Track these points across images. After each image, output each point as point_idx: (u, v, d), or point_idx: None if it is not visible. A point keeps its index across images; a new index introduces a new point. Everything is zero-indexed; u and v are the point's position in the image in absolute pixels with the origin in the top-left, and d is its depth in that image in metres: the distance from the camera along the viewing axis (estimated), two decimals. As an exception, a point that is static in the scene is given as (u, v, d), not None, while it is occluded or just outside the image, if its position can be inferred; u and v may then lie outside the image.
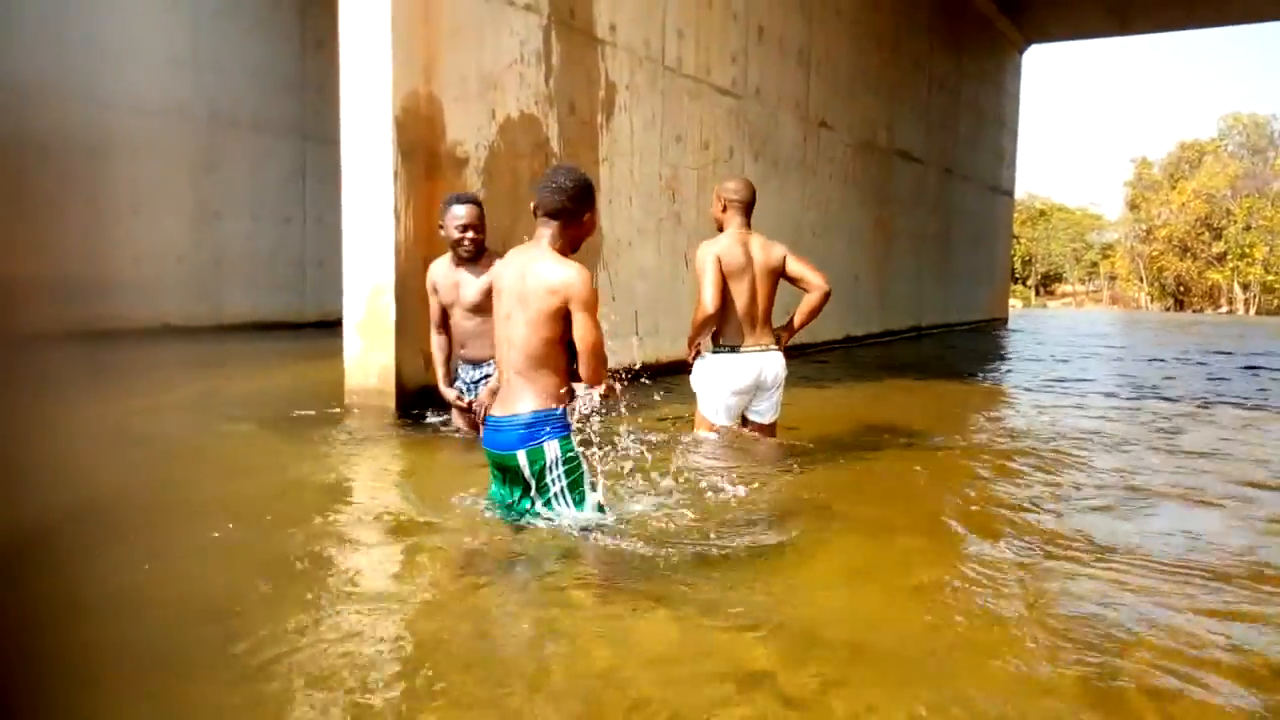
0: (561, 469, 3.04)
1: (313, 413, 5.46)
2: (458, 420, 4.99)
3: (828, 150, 11.29)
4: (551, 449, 3.02)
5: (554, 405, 3.04)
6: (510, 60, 6.28)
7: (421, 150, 5.63)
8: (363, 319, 5.65)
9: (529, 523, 3.10)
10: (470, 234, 4.58)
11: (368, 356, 5.64)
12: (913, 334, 14.69)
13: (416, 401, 5.59)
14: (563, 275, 2.97)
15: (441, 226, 4.65)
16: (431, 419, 5.30)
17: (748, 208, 4.68)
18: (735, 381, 4.50)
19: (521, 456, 3.01)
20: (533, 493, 3.09)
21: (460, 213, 4.58)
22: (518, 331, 3.02)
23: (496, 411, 3.08)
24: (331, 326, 6.78)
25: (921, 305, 15.19)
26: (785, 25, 10.05)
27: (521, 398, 3.03)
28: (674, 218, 8.35)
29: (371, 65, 5.45)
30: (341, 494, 3.81)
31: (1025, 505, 3.80)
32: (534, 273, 3.01)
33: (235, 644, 2.15)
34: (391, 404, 5.53)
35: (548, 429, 3.02)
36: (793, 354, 10.32)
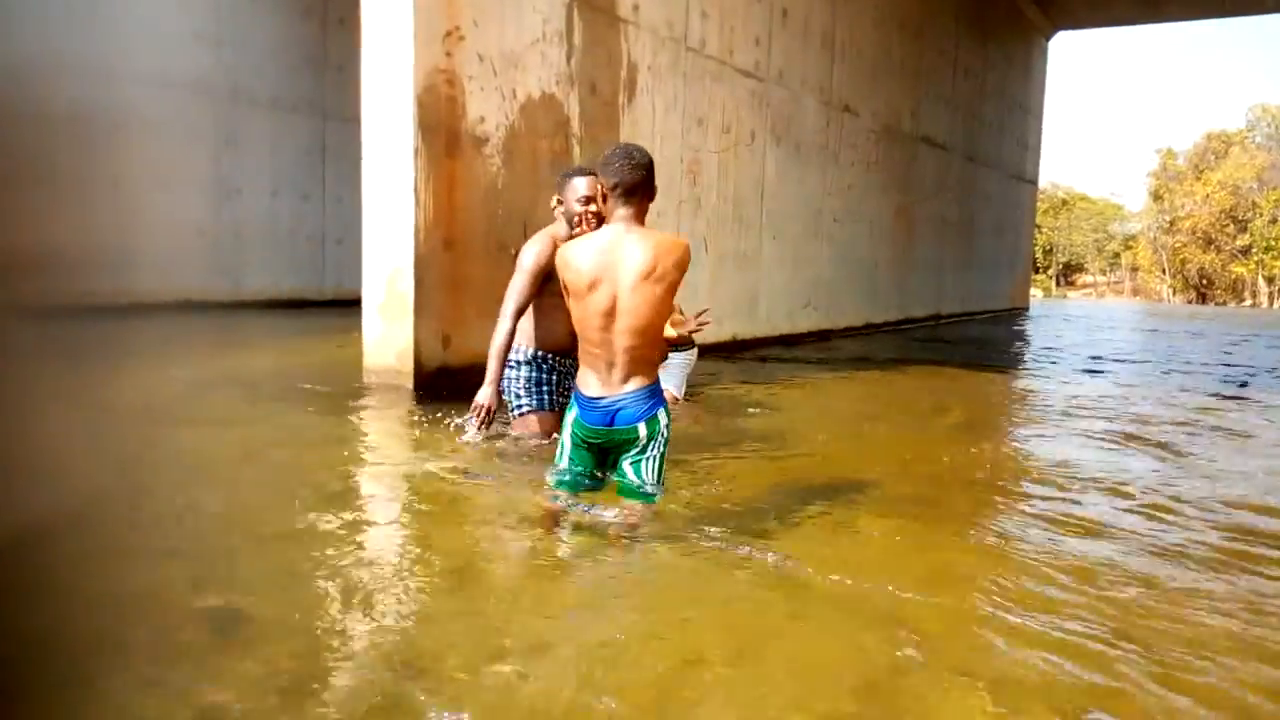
0: (664, 435, 3.23)
1: (332, 390, 5.47)
2: (532, 425, 4.23)
3: (851, 135, 11.19)
4: (661, 416, 3.22)
5: (657, 377, 3.25)
6: (532, 39, 6.22)
7: (442, 129, 5.59)
8: (382, 299, 5.63)
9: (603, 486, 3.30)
10: (592, 207, 4.13)
11: (386, 336, 5.63)
12: (932, 322, 14.60)
13: (433, 381, 5.58)
14: (682, 248, 3.14)
15: (560, 203, 4.12)
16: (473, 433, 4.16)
17: None
18: None
19: (642, 427, 3.17)
20: (633, 453, 3.21)
21: (581, 186, 4.10)
22: (636, 313, 3.08)
23: (605, 392, 3.16)
24: (349, 305, 6.78)
25: (942, 293, 15.08)
26: (809, 8, 9.94)
27: (636, 373, 3.15)
28: (694, 201, 8.29)
29: (393, 41, 5.41)
30: (398, 469, 3.82)
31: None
32: (652, 253, 3.08)
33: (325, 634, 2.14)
34: (410, 384, 5.52)
35: (658, 398, 3.22)
36: (814, 340, 10.23)
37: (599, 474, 3.31)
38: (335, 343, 7.88)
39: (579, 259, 3.12)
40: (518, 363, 4.30)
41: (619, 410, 3.15)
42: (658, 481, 3.24)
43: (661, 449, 3.22)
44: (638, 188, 3.15)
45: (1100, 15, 19.58)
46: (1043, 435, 5.40)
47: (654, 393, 3.20)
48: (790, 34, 9.60)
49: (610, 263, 3.08)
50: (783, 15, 9.41)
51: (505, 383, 4.31)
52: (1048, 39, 19.83)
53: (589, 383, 3.17)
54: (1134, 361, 10.24)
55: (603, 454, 3.27)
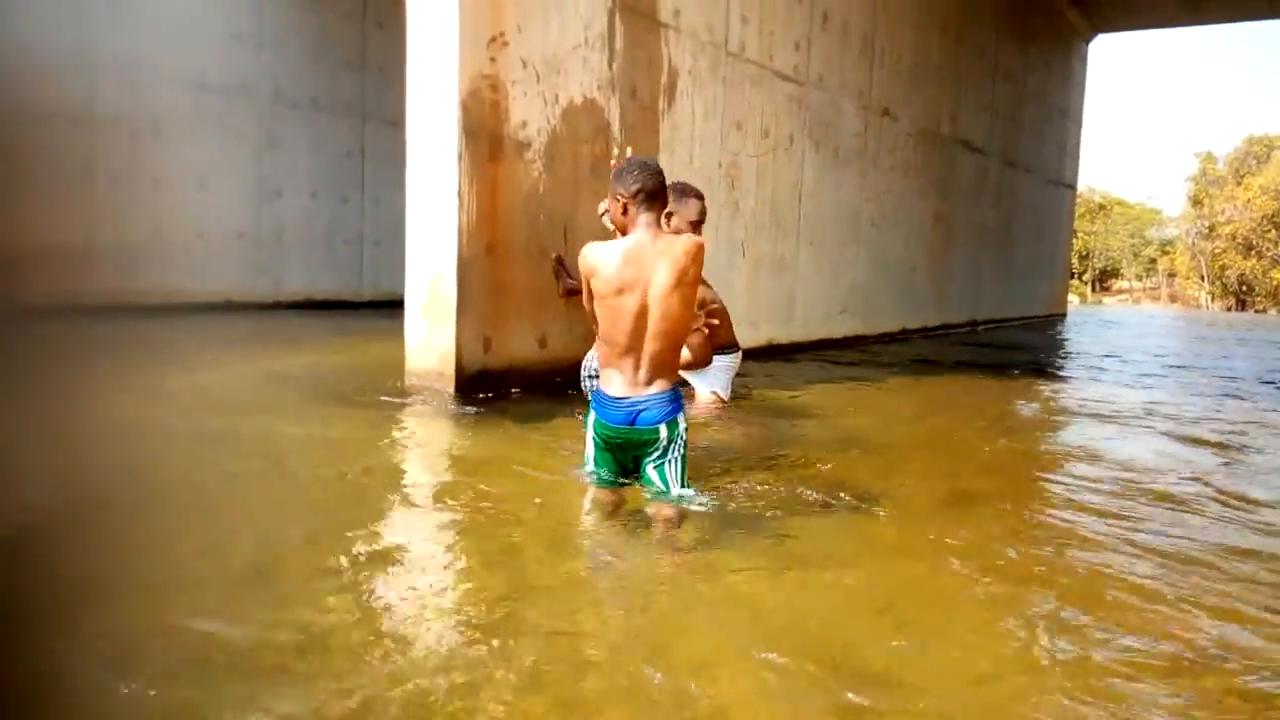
0: (683, 437, 3.34)
1: (378, 391, 5.52)
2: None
3: (889, 139, 11.12)
4: (681, 420, 3.34)
5: (678, 379, 3.41)
6: (574, 44, 6.24)
7: (485, 133, 5.62)
8: (425, 301, 5.66)
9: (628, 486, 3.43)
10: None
11: (429, 338, 5.66)
12: (969, 328, 14.47)
13: (474, 384, 5.61)
14: (700, 247, 3.28)
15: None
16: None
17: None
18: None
19: (663, 429, 3.29)
20: (654, 456, 3.31)
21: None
22: (667, 318, 3.24)
23: (630, 393, 3.29)
24: (387, 306, 6.84)
25: (980, 298, 14.94)
26: (850, 11, 9.89)
27: (660, 375, 3.29)
28: (732, 205, 8.28)
29: (438, 46, 5.44)
30: (438, 465, 3.84)
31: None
32: (681, 259, 3.23)
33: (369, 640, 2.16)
34: (451, 386, 5.55)
35: (679, 401, 3.35)
36: (851, 345, 10.15)
37: (624, 478, 3.42)
38: (375, 344, 7.94)
39: (606, 264, 3.24)
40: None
41: (642, 411, 3.27)
42: (682, 483, 3.32)
43: (682, 450, 3.33)
44: (657, 194, 3.31)
45: (1141, 18, 19.32)
46: (1121, 439, 5.41)
47: (676, 396, 3.32)
48: (830, 37, 9.55)
49: (639, 270, 3.21)
50: (823, 19, 9.38)
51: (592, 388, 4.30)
52: (1087, 42, 19.61)
53: (614, 383, 3.29)
54: (1195, 370, 10.09)
55: (623, 454, 3.38)
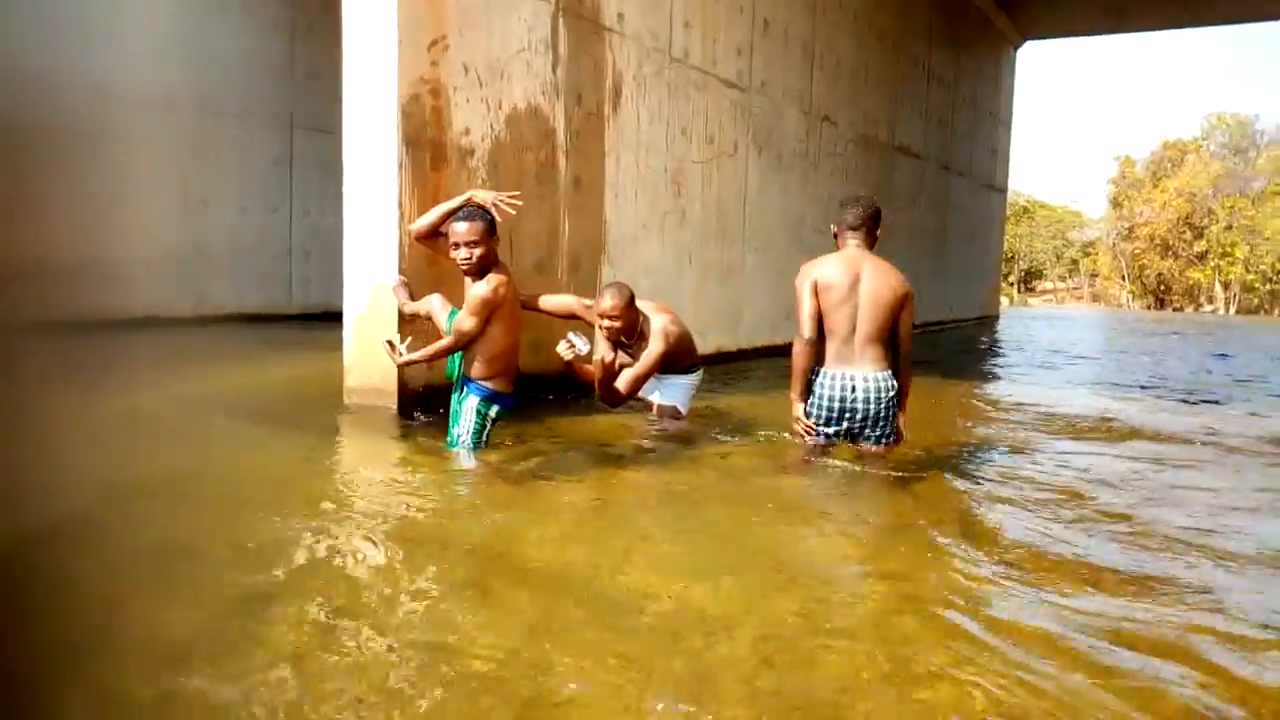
0: None
1: (317, 410, 5.25)
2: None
3: (830, 145, 11.11)
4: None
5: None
6: (518, 48, 6.04)
7: (426, 141, 5.39)
8: (363, 315, 5.41)
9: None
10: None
11: (369, 354, 5.40)
12: (908, 332, 14.54)
13: (416, 401, 5.37)
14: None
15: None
16: None
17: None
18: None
19: None
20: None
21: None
22: None
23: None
24: (317, 319, 6.54)
25: (917, 302, 15.03)
26: (790, 18, 9.85)
27: None
28: (679, 213, 8.14)
29: (376, 52, 5.20)
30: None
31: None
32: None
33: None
34: (393, 404, 5.30)
35: None
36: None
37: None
38: (308, 359, 7.62)
39: (509, 294, 4.22)
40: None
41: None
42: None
43: None
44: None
45: (1068, 25, 19.77)
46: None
47: None
48: (771, 44, 9.49)
49: (514, 295, 4.30)
50: (764, 26, 9.31)
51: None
52: (1016, 49, 19.98)
53: (509, 381, 4.35)
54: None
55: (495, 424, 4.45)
